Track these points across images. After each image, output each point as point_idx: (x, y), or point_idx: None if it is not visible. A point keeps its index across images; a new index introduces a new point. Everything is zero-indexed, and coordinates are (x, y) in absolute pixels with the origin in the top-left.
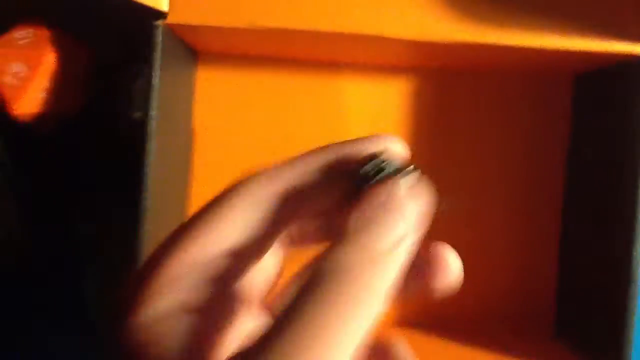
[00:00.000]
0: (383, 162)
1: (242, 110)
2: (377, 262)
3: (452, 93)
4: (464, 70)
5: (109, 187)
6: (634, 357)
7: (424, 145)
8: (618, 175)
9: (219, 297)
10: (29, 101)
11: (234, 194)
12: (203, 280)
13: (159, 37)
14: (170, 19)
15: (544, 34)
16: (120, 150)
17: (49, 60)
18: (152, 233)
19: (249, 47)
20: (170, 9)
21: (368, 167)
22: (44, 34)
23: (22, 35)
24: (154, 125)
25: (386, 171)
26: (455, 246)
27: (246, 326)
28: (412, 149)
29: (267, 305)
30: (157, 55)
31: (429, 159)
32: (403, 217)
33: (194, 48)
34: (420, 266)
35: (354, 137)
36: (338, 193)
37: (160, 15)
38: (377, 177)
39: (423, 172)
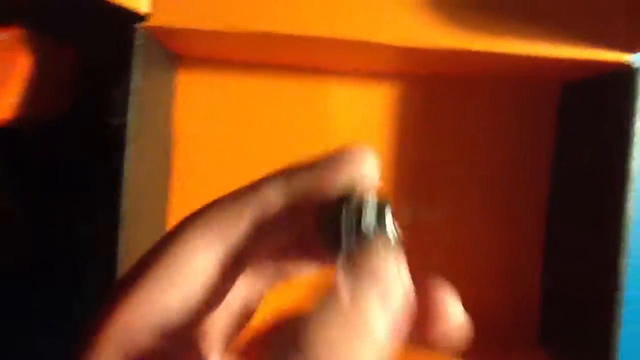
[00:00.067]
0: (356, 207)
1: (223, 116)
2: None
3: (439, 100)
4: (451, 77)
5: (92, 190)
6: None
7: (410, 151)
8: (603, 183)
9: (174, 351)
10: (3, 106)
11: (181, 239)
12: (152, 336)
13: (140, 40)
14: (151, 22)
15: (532, 42)
16: (103, 153)
17: (24, 62)
18: (131, 239)
19: (232, 51)
20: (151, 11)
21: (340, 218)
22: (18, 35)
23: None
24: (132, 130)
25: (363, 225)
26: (439, 253)
27: None
28: (398, 155)
29: (237, 349)
30: (137, 58)
31: (414, 165)
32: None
33: (175, 52)
34: (416, 313)
35: (322, 152)
36: (298, 229)
37: (141, 18)
38: (350, 238)
39: (404, 185)
